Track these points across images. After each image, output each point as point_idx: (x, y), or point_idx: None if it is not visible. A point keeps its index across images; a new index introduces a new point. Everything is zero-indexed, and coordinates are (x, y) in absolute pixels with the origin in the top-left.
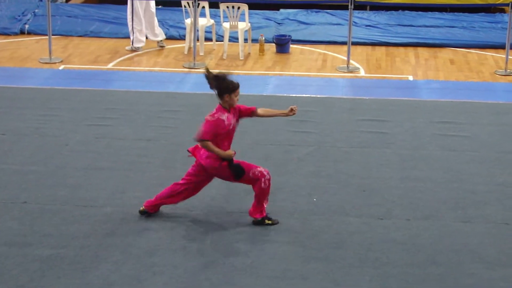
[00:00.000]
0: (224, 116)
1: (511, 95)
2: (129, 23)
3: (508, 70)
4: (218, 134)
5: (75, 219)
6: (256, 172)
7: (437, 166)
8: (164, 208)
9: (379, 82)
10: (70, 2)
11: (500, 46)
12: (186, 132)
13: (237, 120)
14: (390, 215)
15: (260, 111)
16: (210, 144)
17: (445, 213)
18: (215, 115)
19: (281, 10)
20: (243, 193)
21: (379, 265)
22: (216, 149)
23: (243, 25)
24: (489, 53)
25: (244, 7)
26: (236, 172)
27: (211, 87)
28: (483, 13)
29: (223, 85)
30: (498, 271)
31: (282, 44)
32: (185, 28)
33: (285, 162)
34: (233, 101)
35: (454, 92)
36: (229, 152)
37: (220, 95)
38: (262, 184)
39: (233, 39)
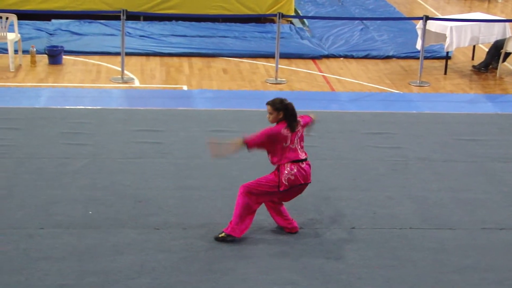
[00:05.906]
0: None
1: None
2: None
3: (278, 79)
4: None
5: None
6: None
7: (211, 174)
8: None
9: (154, 92)
10: None
11: (270, 55)
12: None
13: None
14: (166, 224)
15: None
16: None
17: (220, 220)
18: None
19: (53, 20)
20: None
21: (156, 275)
22: None
23: (12, 36)
24: (260, 62)
25: (13, 17)
26: None
27: None
28: (254, 23)
29: None
30: (271, 274)
31: (54, 55)
32: None
33: (59, 175)
34: None
35: (228, 101)
36: None
37: None
38: None
39: (3, 50)
